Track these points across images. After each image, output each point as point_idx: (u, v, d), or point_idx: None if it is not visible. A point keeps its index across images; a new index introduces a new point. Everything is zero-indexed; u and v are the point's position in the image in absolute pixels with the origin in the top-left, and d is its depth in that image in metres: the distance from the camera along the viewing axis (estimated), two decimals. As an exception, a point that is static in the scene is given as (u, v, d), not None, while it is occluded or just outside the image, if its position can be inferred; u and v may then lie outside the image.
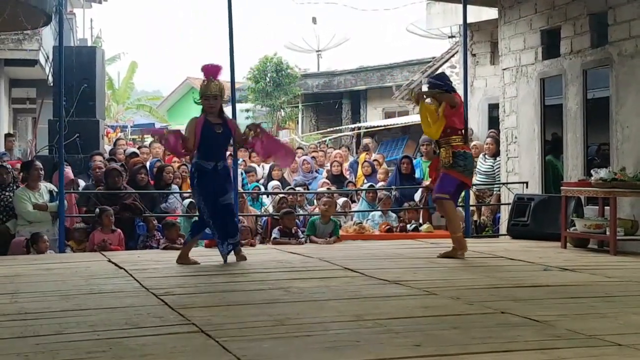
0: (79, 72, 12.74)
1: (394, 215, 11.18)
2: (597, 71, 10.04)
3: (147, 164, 11.45)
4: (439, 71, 18.21)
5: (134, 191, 10.03)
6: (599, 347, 4.04)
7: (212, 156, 7.65)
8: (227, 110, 12.94)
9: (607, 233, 8.68)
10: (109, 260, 7.86)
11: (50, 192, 9.48)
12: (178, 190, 10.82)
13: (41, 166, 9.70)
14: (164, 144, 8.80)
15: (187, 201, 10.36)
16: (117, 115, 29.67)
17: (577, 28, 10.31)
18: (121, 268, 7.28)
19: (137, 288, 6.14)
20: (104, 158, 11.38)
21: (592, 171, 9.01)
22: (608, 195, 8.70)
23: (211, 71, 7.73)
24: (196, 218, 8.61)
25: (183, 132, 7.86)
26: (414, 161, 12.53)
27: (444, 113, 8.05)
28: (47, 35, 16.23)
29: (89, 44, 22.51)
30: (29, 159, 12.14)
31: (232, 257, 7.78)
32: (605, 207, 9.05)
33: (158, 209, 10.27)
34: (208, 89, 7.70)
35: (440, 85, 8.25)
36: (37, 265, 7.65)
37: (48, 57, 16.57)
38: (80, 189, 10.48)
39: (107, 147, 14.23)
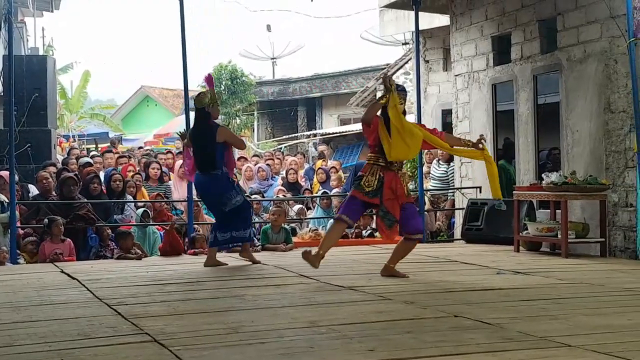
0: (29, 81, 12.61)
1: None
2: (547, 76, 10.19)
3: (102, 174, 11.34)
4: (393, 78, 18.35)
5: (86, 201, 9.91)
6: (550, 348, 4.11)
7: None
8: (182, 118, 12.90)
9: (559, 236, 8.81)
10: (62, 271, 7.77)
11: (1, 202, 9.33)
12: (132, 200, 10.71)
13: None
14: None
15: (140, 210, 10.27)
16: (70, 124, 29.28)
17: (527, 34, 10.46)
18: (74, 279, 7.19)
19: (90, 298, 6.08)
20: (56, 168, 11.23)
21: (543, 175, 9.14)
22: (559, 199, 8.83)
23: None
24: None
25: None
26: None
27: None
28: (-3, 43, 15.99)
29: (41, 52, 22.20)
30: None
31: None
32: (557, 211, 9.19)
33: (112, 219, 10.16)
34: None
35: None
36: (-13, 277, 7.52)
37: (-2, 66, 16.31)
38: (30, 196, 10.33)
39: (60, 157, 14.06)
